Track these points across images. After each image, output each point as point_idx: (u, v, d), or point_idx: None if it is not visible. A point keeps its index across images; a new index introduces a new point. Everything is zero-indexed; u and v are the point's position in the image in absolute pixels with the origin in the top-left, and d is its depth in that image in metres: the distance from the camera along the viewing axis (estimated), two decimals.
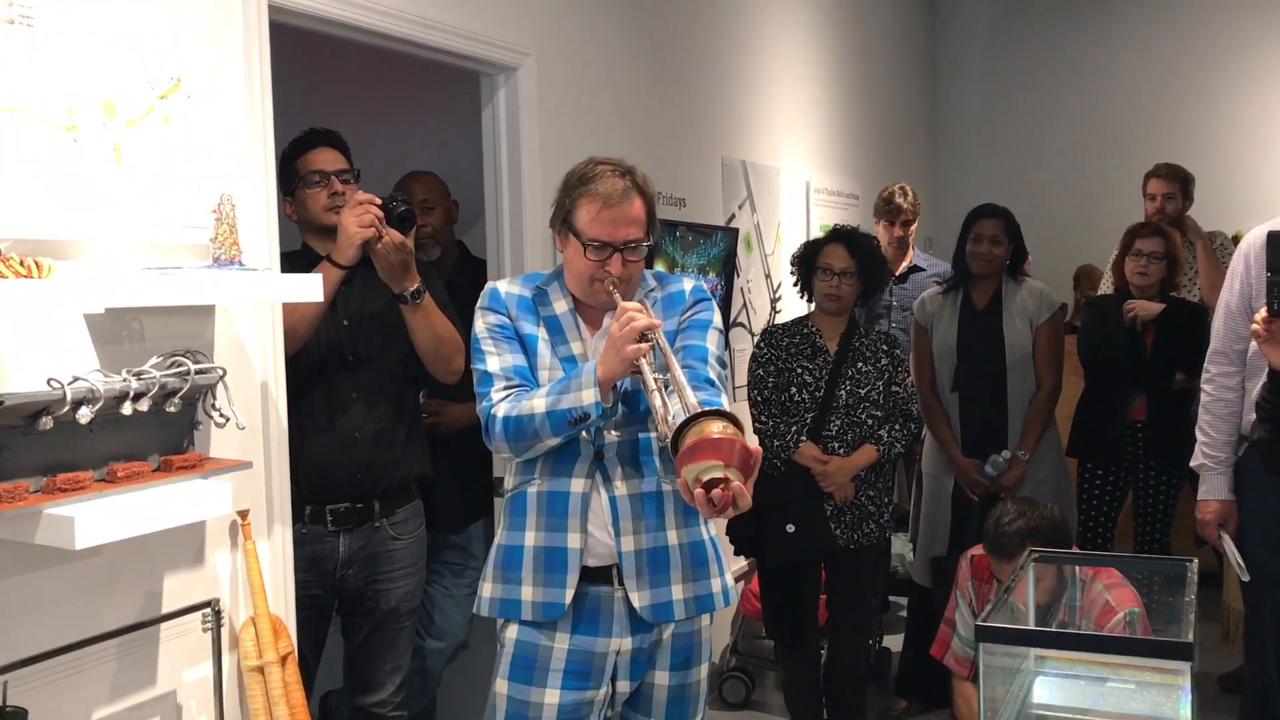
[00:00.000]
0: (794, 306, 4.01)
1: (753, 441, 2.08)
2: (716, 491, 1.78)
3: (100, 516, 1.81)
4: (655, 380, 2.02)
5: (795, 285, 3.75)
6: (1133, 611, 2.51)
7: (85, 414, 1.83)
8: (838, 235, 3.65)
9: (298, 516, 2.63)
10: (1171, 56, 6.85)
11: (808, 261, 3.65)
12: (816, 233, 5.18)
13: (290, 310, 2.48)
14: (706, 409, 1.85)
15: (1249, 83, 6.66)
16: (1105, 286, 4.75)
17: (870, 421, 3.53)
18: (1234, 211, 5.99)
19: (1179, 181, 4.72)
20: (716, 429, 1.80)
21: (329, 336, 2.69)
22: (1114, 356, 4.21)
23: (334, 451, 2.67)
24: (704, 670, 2.34)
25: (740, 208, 4.63)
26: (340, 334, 2.72)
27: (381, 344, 2.75)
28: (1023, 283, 4.07)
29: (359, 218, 2.56)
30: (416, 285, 2.65)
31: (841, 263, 3.54)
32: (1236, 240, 5.06)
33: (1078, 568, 2.61)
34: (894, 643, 4.65)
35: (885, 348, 3.60)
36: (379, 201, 2.59)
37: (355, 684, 2.84)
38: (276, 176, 2.70)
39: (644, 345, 2.05)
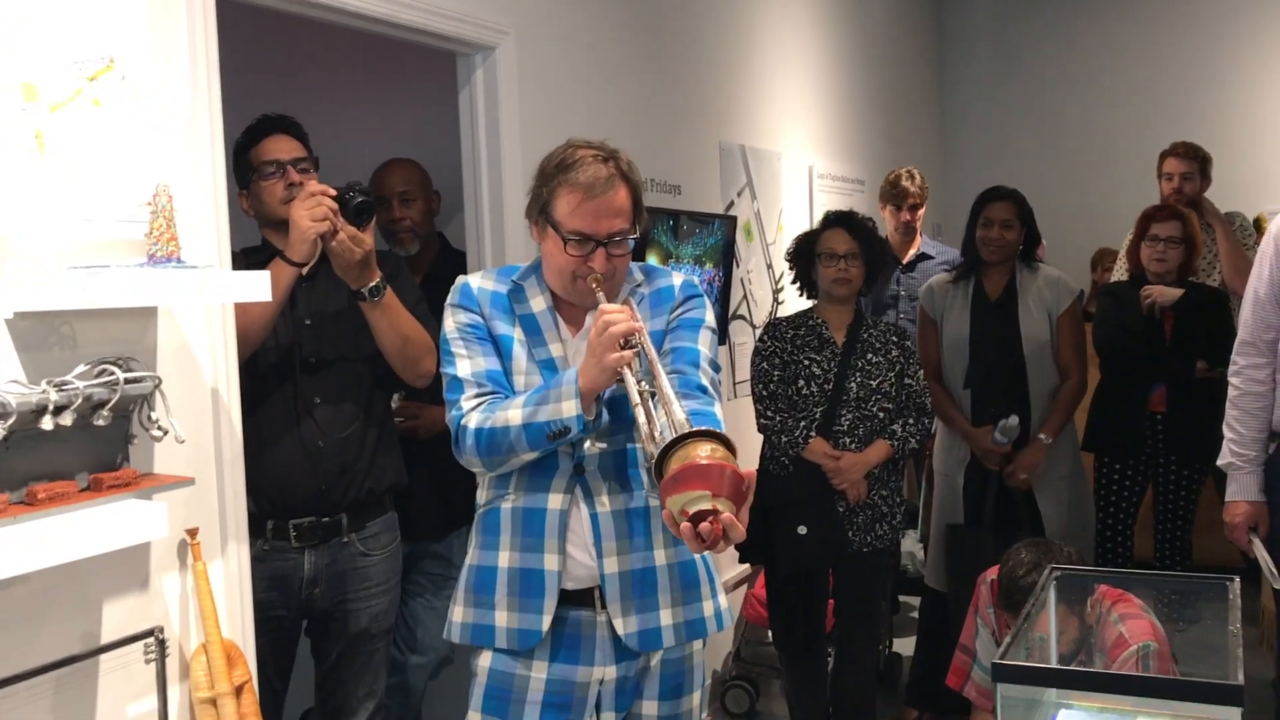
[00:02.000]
0: (796, 298, 3.83)
1: (747, 463, 1.88)
2: (704, 525, 1.60)
3: (16, 544, 1.64)
4: (641, 392, 1.83)
5: (794, 282, 3.57)
6: (1147, 645, 2.32)
7: None
8: (836, 220, 3.48)
9: (259, 533, 2.45)
10: (1187, 34, 6.63)
11: (806, 252, 3.46)
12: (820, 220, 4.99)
13: (241, 312, 2.28)
14: (693, 430, 1.67)
15: (1267, 60, 6.45)
16: (1119, 273, 4.55)
17: (882, 415, 3.36)
18: (1253, 193, 5.79)
19: (1197, 160, 4.54)
20: (704, 453, 1.62)
21: (288, 338, 2.50)
22: (1131, 346, 4.02)
23: (296, 462, 2.48)
24: (697, 698, 2.15)
25: (739, 195, 4.43)
26: (301, 334, 2.53)
27: (347, 344, 2.56)
28: (1038, 270, 3.87)
29: (311, 211, 2.35)
30: (376, 281, 2.45)
31: (845, 246, 3.37)
32: (1257, 223, 4.88)
33: (1096, 592, 2.40)
34: (904, 646, 4.46)
35: (895, 339, 3.44)
36: (333, 193, 2.39)
37: (327, 710, 2.67)
38: (233, 167, 2.53)
39: (627, 353, 1.85)
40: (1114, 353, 4.10)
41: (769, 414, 3.38)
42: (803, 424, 3.34)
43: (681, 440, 1.65)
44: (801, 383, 3.38)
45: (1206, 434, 3.53)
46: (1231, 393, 2.87)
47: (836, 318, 3.44)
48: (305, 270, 2.45)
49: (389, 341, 2.50)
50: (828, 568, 3.44)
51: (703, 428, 1.70)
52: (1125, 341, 4.05)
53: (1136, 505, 4.14)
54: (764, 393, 3.40)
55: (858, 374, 3.37)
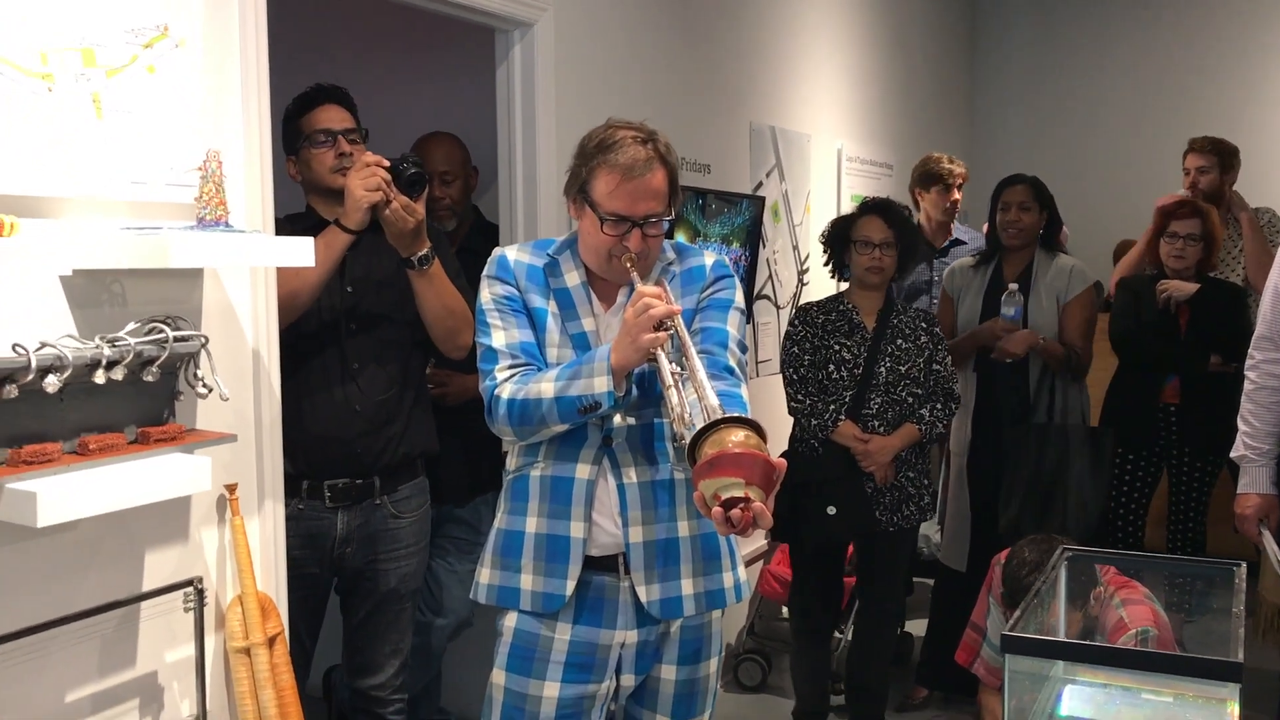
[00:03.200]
0: (821, 279, 3.88)
1: (776, 445, 1.93)
2: (735, 512, 1.66)
3: (67, 491, 1.70)
4: (673, 374, 1.88)
5: (826, 264, 3.61)
6: (1146, 630, 2.36)
7: (53, 382, 1.72)
8: (873, 207, 3.53)
9: (294, 492, 2.53)
10: (1224, 27, 6.59)
11: (842, 237, 3.50)
12: (848, 203, 5.02)
13: (293, 275, 2.35)
14: (727, 415, 1.72)
15: None
16: (1123, 268, 4.57)
17: (911, 400, 3.42)
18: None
19: (1216, 154, 4.54)
20: (737, 440, 1.67)
21: (331, 302, 2.57)
22: (1146, 338, 4.06)
23: (333, 424, 2.56)
24: (714, 664, 2.22)
25: (768, 175, 4.47)
26: (344, 300, 2.59)
27: (387, 312, 2.63)
28: (1056, 258, 3.92)
29: (365, 181, 2.42)
30: (426, 250, 2.52)
31: (881, 234, 3.42)
32: None
33: (1101, 577, 2.44)
34: (916, 627, 4.52)
35: (924, 325, 3.50)
36: (387, 164, 2.45)
37: (354, 666, 2.75)
38: (282, 135, 2.59)
39: (661, 334, 1.91)
40: (1129, 345, 4.14)
41: (799, 398, 3.44)
42: (832, 408, 3.39)
43: (715, 425, 1.70)
44: (832, 367, 3.43)
45: (1220, 427, 3.57)
46: (1247, 386, 2.90)
47: (867, 303, 3.49)
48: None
49: (432, 311, 2.56)
50: (847, 546, 3.50)
51: (736, 414, 1.75)
52: (1140, 334, 4.08)
53: (1149, 495, 4.17)
54: (794, 376, 3.46)
55: (887, 359, 3.42)
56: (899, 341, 3.43)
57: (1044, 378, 3.84)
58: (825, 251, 3.61)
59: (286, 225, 2.52)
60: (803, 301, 4.13)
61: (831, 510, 3.33)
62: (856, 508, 3.37)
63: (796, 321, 3.53)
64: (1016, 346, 3.76)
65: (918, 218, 4.72)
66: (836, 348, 3.43)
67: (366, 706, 2.75)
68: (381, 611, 2.69)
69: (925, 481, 3.52)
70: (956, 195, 4.67)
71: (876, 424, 3.40)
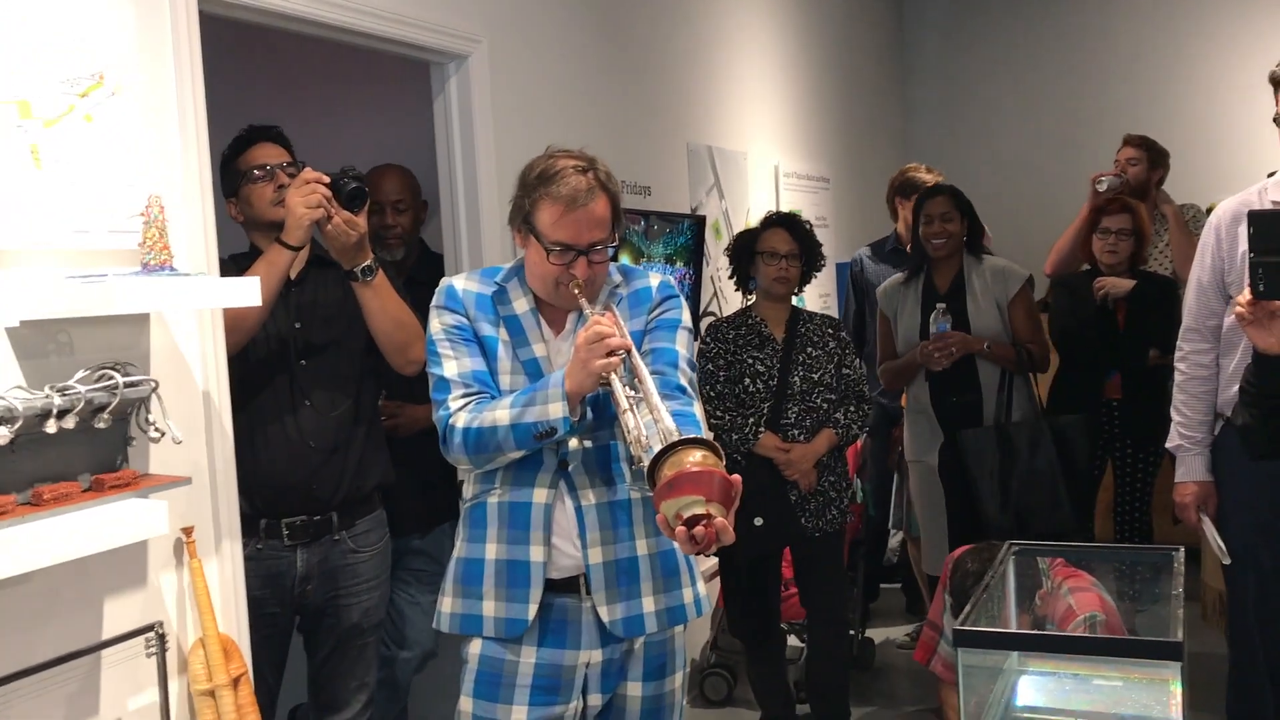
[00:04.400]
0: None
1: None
2: (699, 529, 1.69)
3: (23, 543, 1.70)
4: (627, 398, 1.91)
5: (731, 277, 3.68)
6: (1094, 615, 2.43)
7: (4, 434, 1.72)
8: (777, 220, 3.62)
9: (252, 532, 2.52)
10: (1145, 27, 6.76)
11: (747, 250, 3.58)
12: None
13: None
14: (683, 438, 1.75)
15: (1223, 54, 6.58)
16: (1051, 264, 4.70)
17: (825, 405, 3.51)
18: (1207, 184, 5.91)
19: (1146, 150, 4.72)
20: (694, 460, 1.71)
21: (280, 335, 2.58)
22: (1086, 335, 4.16)
23: (287, 462, 2.56)
24: (679, 679, 2.25)
25: (708, 194, 4.53)
26: (292, 333, 2.60)
27: (336, 342, 2.64)
28: (984, 261, 4.02)
29: (306, 198, 2.43)
30: (369, 261, 2.53)
31: (786, 246, 3.52)
32: (1210, 214, 5.02)
33: (1049, 568, 2.51)
34: (883, 634, 4.59)
35: (831, 331, 3.59)
36: (327, 180, 2.47)
37: (320, 703, 2.74)
38: (220, 178, 2.60)
39: (614, 359, 1.94)
40: (1069, 342, 4.23)
41: (718, 414, 3.49)
42: (751, 420, 3.46)
43: (672, 448, 1.73)
44: (747, 380, 3.49)
45: (1161, 419, 3.67)
46: (1178, 378, 2.98)
47: (775, 315, 3.56)
48: (295, 276, 2.53)
49: (380, 324, 2.57)
50: (779, 555, 3.59)
51: (691, 435, 1.78)
52: (1080, 331, 4.18)
53: (1095, 488, 4.27)
54: (711, 393, 3.52)
55: (800, 368, 3.50)
56: (809, 350, 3.52)
57: (1001, 378, 3.91)
58: (730, 265, 3.68)
59: (231, 265, 2.53)
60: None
61: (758, 521, 3.39)
62: (783, 517, 3.43)
63: (708, 339, 3.59)
64: (936, 362, 3.83)
65: (896, 227, 4.82)
66: (750, 361, 3.50)
67: None
68: (345, 648, 2.69)
69: (844, 484, 3.59)
70: None
71: (796, 432, 3.47)
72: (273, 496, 2.55)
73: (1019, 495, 3.75)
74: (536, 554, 2.10)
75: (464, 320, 2.14)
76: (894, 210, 4.87)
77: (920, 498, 4.13)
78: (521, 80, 3.39)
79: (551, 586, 2.11)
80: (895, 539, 4.89)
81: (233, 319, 2.35)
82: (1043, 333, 4.02)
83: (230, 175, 2.63)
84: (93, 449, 1.92)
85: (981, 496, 3.76)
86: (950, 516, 3.98)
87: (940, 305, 3.88)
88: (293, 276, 2.58)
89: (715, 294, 4.57)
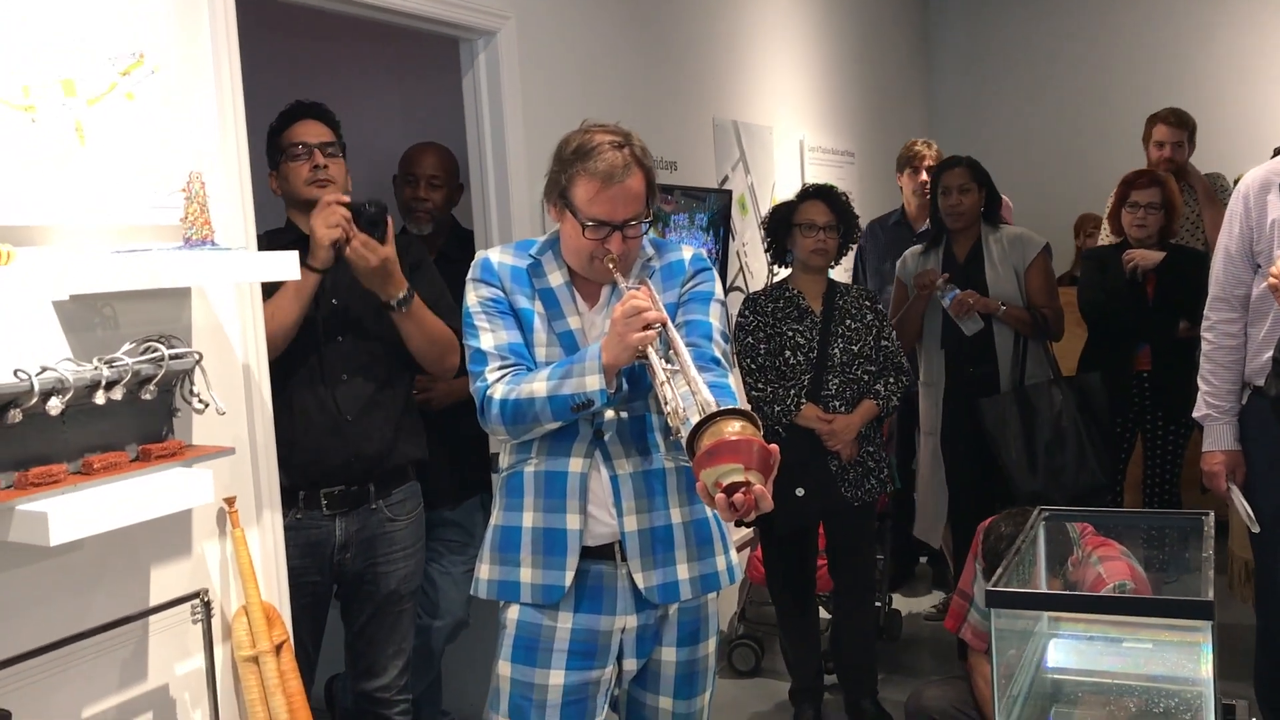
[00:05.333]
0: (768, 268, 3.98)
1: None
2: (738, 496, 1.71)
3: (76, 511, 1.75)
4: (664, 370, 1.94)
5: (767, 251, 3.69)
6: (1124, 584, 2.44)
7: (56, 405, 1.76)
8: (814, 192, 3.63)
9: (292, 502, 2.58)
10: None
11: (784, 223, 3.58)
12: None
13: (269, 317, 2.41)
14: (721, 409, 1.78)
15: (1248, 23, 6.53)
16: (1104, 237, 4.68)
17: (865, 377, 3.53)
18: (1233, 154, 5.87)
19: (1185, 129, 4.64)
20: (733, 430, 1.74)
21: (317, 314, 2.62)
22: (1115, 308, 4.16)
23: (325, 435, 2.61)
24: (712, 644, 2.28)
25: (734, 169, 4.54)
26: (329, 313, 2.64)
27: (372, 323, 2.68)
28: (1002, 230, 4.04)
29: (325, 219, 2.50)
30: (404, 292, 2.58)
31: (824, 217, 3.52)
32: (1237, 184, 4.98)
33: (1079, 536, 2.52)
34: (907, 605, 4.62)
35: (868, 303, 3.61)
36: (346, 200, 2.53)
37: (358, 669, 2.79)
38: (265, 150, 2.65)
39: (650, 333, 1.97)
40: (1099, 315, 4.23)
41: (760, 385, 3.52)
42: (793, 392, 3.47)
43: (711, 419, 1.76)
44: (788, 353, 3.51)
45: (1190, 391, 3.66)
46: (1205, 347, 2.98)
47: (812, 287, 3.58)
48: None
49: (417, 345, 2.65)
50: (818, 525, 3.61)
51: (730, 406, 1.81)
52: (1109, 304, 4.18)
53: (1125, 461, 4.28)
54: (752, 366, 3.54)
55: (839, 340, 3.51)
56: (848, 322, 3.53)
57: (1016, 346, 3.93)
58: (767, 239, 3.68)
59: (266, 241, 2.57)
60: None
61: (800, 492, 3.42)
62: (824, 487, 3.46)
63: (747, 311, 3.60)
64: (971, 309, 3.86)
65: (903, 202, 4.85)
66: (790, 333, 3.52)
67: (372, 709, 2.80)
68: (383, 614, 2.75)
69: (883, 455, 3.63)
70: (924, 176, 4.77)
71: (837, 404, 3.49)
72: (311, 468, 2.60)
73: (1046, 457, 3.77)
74: (573, 522, 2.14)
75: (500, 293, 2.17)
76: (900, 186, 4.90)
77: (924, 467, 4.19)
78: (549, 56, 3.41)
79: (587, 553, 2.15)
80: None
81: (268, 334, 2.41)
82: (1058, 300, 4.03)
83: (274, 149, 2.68)
84: (139, 420, 1.97)
85: (1008, 463, 3.79)
86: (952, 488, 4.02)
87: (944, 276, 3.92)
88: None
89: (741, 269, 4.59)
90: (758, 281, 4.71)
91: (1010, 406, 3.82)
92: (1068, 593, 2.17)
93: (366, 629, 2.75)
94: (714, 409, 1.78)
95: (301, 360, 2.60)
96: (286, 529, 2.47)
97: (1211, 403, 2.96)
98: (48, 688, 1.92)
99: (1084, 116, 6.83)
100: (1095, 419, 3.84)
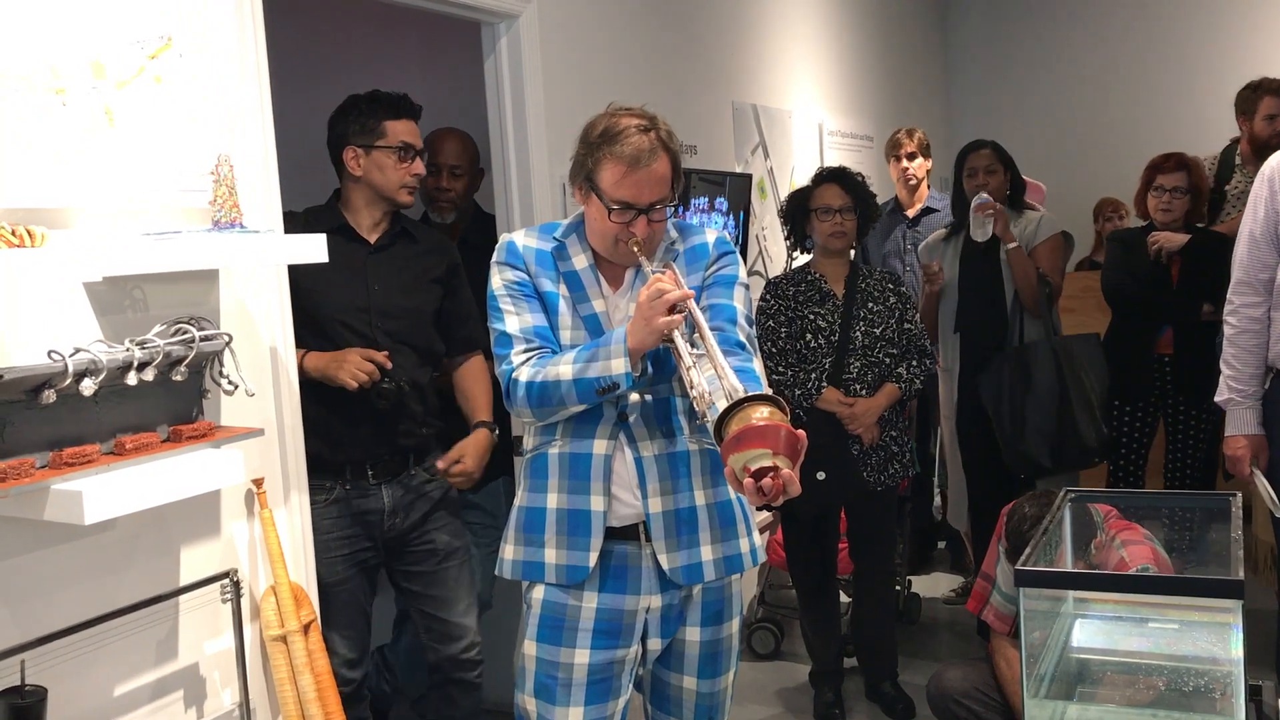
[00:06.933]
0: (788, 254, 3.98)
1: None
2: (766, 480, 1.72)
3: (109, 490, 1.77)
4: (689, 354, 1.95)
5: (786, 237, 3.69)
6: (1146, 568, 2.44)
7: (89, 386, 1.78)
8: (829, 175, 3.61)
9: (338, 475, 2.65)
10: None
11: (801, 208, 3.58)
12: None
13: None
14: (749, 394, 1.78)
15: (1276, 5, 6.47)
16: (1134, 221, 4.66)
17: (888, 360, 3.52)
18: None
19: None
20: (761, 415, 1.74)
21: (356, 302, 2.67)
22: (1139, 290, 4.14)
23: (367, 412, 2.65)
24: (736, 624, 2.29)
25: (753, 153, 4.54)
26: (370, 298, 2.69)
27: (410, 310, 2.75)
28: (1024, 214, 4.04)
29: (353, 371, 2.57)
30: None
31: (840, 200, 3.50)
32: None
33: (1102, 520, 2.52)
34: (925, 586, 4.63)
35: (891, 286, 3.59)
36: (374, 370, 2.60)
37: (433, 636, 2.85)
38: (353, 126, 2.67)
39: (676, 317, 1.97)
40: (1121, 297, 4.22)
41: (780, 369, 3.51)
42: (814, 376, 3.47)
43: (739, 404, 1.77)
44: (809, 336, 3.51)
45: (1213, 375, 3.65)
46: (1228, 331, 2.96)
47: (834, 271, 3.56)
48: (376, 241, 2.71)
49: None
50: (839, 509, 3.61)
51: (757, 391, 1.82)
52: (1132, 286, 4.17)
53: (1148, 445, 4.26)
54: (773, 349, 3.53)
55: (861, 323, 3.50)
56: (870, 305, 3.52)
57: (1018, 318, 3.95)
58: (785, 225, 3.68)
59: (305, 218, 2.63)
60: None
61: (821, 476, 3.41)
62: (846, 471, 3.46)
63: (768, 295, 3.59)
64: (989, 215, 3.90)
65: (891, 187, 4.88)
66: (811, 317, 3.51)
67: (455, 673, 2.86)
68: (445, 569, 2.83)
69: (906, 439, 3.62)
70: (905, 164, 4.79)
71: (858, 387, 3.49)
72: (354, 444, 2.67)
73: (1032, 420, 3.79)
74: (597, 504, 2.14)
75: (525, 276, 2.18)
76: None
77: (947, 452, 4.21)
78: (570, 39, 3.41)
79: (611, 534, 2.16)
80: (940, 496, 4.92)
81: None
82: (1061, 276, 4.05)
83: (369, 132, 2.67)
84: (170, 401, 1.98)
85: (1001, 431, 3.80)
86: (969, 470, 4.03)
87: (984, 196, 3.93)
88: (373, 241, 2.71)
89: (761, 253, 4.58)
90: (777, 266, 4.71)
91: (1002, 371, 3.84)
92: (1096, 572, 2.17)
93: (434, 585, 2.82)
94: (741, 394, 1.79)
95: (341, 344, 2.64)
96: (335, 502, 2.61)
97: (1234, 387, 2.95)
98: (81, 665, 1.94)
99: (1104, 101, 6.79)
100: (1080, 380, 3.84)
